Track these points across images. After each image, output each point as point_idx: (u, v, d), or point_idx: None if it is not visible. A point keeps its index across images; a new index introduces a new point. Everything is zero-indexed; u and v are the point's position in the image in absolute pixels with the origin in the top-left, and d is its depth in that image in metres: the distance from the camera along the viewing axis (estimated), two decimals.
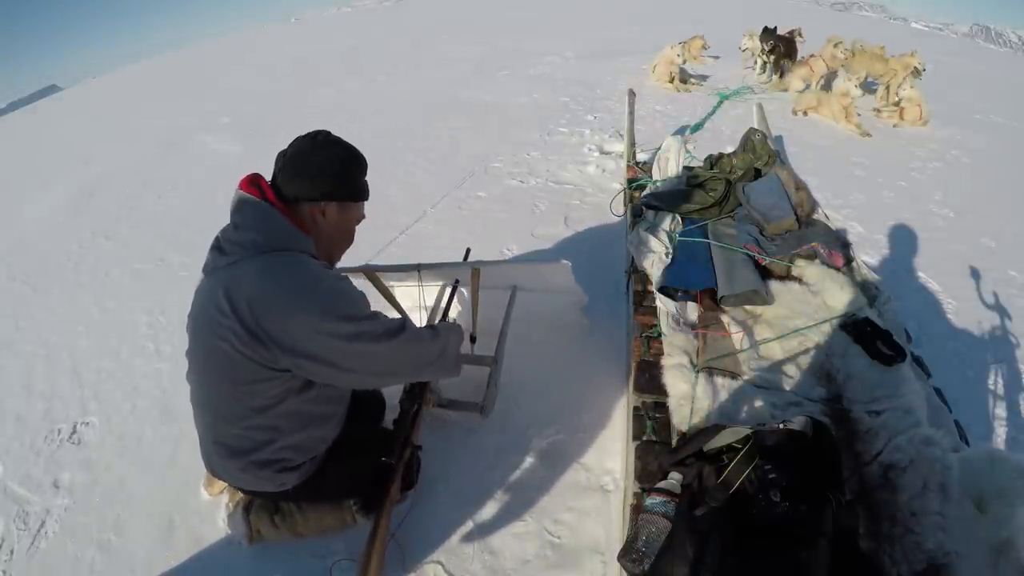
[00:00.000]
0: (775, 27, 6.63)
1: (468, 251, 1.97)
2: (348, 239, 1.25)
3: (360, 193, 1.21)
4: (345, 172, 1.15)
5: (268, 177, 1.14)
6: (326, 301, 1.02)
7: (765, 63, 6.77)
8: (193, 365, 1.15)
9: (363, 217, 1.26)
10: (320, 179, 1.11)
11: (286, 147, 1.13)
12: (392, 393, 1.53)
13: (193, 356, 1.14)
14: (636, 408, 1.30)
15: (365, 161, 1.21)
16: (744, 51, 7.24)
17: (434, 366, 1.21)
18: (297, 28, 18.42)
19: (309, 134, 1.15)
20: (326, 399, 1.19)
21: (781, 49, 6.48)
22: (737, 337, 1.46)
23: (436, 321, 1.80)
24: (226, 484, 1.51)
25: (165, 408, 1.92)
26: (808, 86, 5.92)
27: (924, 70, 5.51)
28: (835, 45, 5.95)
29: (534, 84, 6.54)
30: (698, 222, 1.96)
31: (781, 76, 6.48)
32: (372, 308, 1.13)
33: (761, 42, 6.55)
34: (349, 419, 1.36)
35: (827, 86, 5.87)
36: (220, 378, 1.08)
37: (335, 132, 1.17)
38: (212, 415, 1.14)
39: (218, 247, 1.08)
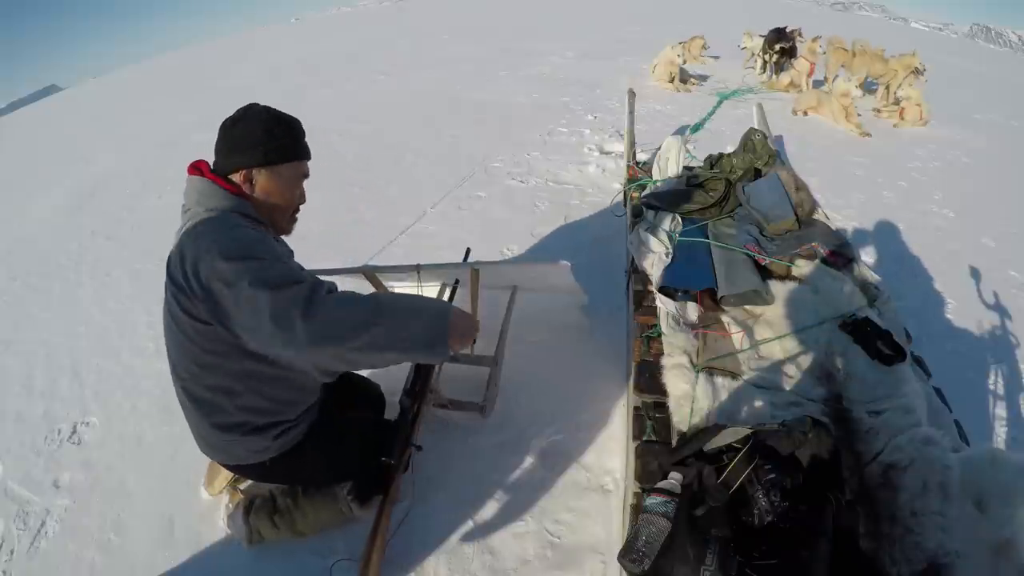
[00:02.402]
0: (786, 27, 6.68)
1: (468, 251, 1.97)
2: (288, 201, 1.23)
3: (287, 154, 1.20)
4: (265, 138, 1.15)
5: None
6: (229, 244, 1.02)
7: (765, 63, 6.80)
8: (165, 339, 1.18)
9: (305, 175, 1.26)
10: (240, 150, 1.15)
11: None
12: (392, 392, 1.53)
13: (165, 331, 1.18)
14: (636, 408, 1.30)
15: (290, 122, 1.20)
16: (743, 49, 7.28)
17: (324, 341, 0.99)
18: (297, 28, 18.43)
19: (238, 109, 1.18)
20: (275, 360, 1.11)
21: (786, 50, 6.56)
22: (737, 337, 1.46)
23: None
24: (226, 484, 1.52)
25: (165, 408, 1.92)
26: (797, 86, 6.06)
27: (924, 70, 5.51)
28: (813, 40, 6.07)
29: (534, 84, 6.54)
30: (698, 222, 1.96)
31: (779, 75, 6.56)
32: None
33: (769, 44, 6.63)
34: (343, 406, 1.38)
35: (819, 83, 6.01)
36: (173, 342, 1.13)
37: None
38: (177, 377, 1.17)
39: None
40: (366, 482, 1.37)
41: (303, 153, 1.24)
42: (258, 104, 1.20)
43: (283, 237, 1.28)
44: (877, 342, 1.28)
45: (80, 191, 4.62)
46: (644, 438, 1.22)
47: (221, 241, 1.02)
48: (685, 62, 6.30)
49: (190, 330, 1.07)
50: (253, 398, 1.15)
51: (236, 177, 1.16)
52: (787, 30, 6.63)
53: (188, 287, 1.02)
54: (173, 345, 1.15)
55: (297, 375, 1.19)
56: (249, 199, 1.17)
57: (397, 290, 1.82)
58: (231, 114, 1.18)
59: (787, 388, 1.30)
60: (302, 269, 1.18)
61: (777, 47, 6.54)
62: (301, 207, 1.28)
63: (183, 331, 1.08)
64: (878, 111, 5.70)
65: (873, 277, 1.61)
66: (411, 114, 5.58)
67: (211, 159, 1.20)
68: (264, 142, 1.15)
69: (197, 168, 1.18)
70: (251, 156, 1.15)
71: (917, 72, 5.49)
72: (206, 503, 1.55)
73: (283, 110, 1.20)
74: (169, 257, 1.09)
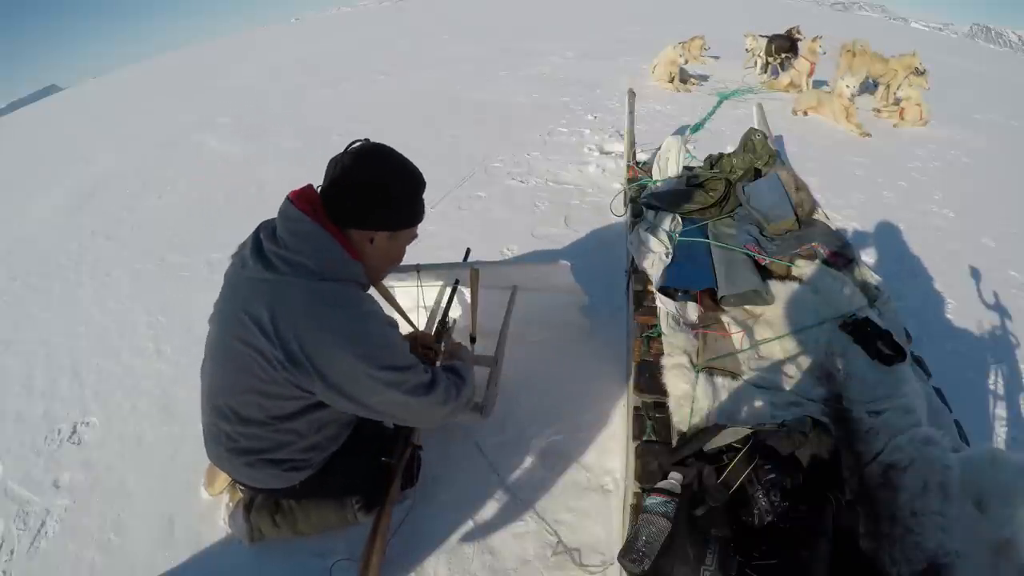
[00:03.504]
0: (789, 30, 6.70)
1: (468, 251, 1.97)
2: (397, 261, 1.18)
3: (413, 219, 1.12)
4: (399, 200, 1.06)
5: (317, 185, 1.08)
6: (374, 347, 1.02)
7: (767, 63, 6.82)
8: (213, 362, 1.12)
9: (416, 237, 1.17)
10: (369, 208, 1.03)
11: (339, 154, 1.03)
12: None
13: (214, 352, 1.11)
14: (636, 408, 1.30)
15: (419, 181, 1.09)
16: (748, 51, 7.32)
17: (447, 417, 1.20)
18: (297, 28, 18.41)
19: (358, 150, 1.03)
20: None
21: (786, 50, 6.59)
22: (737, 337, 1.46)
23: (436, 321, 1.80)
24: (226, 484, 1.51)
25: (165, 408, 1.91)
26: (797, 86, 6.08)
27: (925, 70, 5.52)
28: (813, 40, 6.08)
29: (534, 84, 6.54)
30: (698, 222, 1.96)
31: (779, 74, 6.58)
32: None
33: (771, 46, 6.65)
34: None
35: (821, 83, 6.02)
36: (245, 386, 1.05)
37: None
38: (230, 415, 1.10)
39: (261, 254, 1.01)
40: (373, 491, 1.36)
41: (423, 214, 1.14)
42: (386, 147, 1.05)
43: None
44: (877, 342, 1.28)
45: (80, 191, 4.61)
46: (644, 438, 1.22)
47: (356, 333, 1.00)
48: (686, 62, 6.30)
49: (284, 392, 1.03)
50: (312, 439, 1.16)
51: (356, 233, 1.05)
52: (790, 33, 6.65)
53: (294, 359, 0.97)
54: (240, 393, 1.06)
55: (352, 416, 1.24)
56: (362, 260, 1.07)
57: (397, 291, 1.82)
58: (354, 150, 1.02)
59: (787, 388, 1.30)
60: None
61: (781, 56, 6.58)
62: None
63: (271, 389, 1.03)
64: (878, 111, 5.70)
65: (873, 277, 1.61)
66: (411, 114, 5.57)
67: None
68: (398, 206, 1.06)
69: (307, 201, 1.03)
70: (383, 220, 1.05)
71: (917, 72, 5.49)
72: (206, 503, 1.55)
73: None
74: (267, 309, 0.98)
